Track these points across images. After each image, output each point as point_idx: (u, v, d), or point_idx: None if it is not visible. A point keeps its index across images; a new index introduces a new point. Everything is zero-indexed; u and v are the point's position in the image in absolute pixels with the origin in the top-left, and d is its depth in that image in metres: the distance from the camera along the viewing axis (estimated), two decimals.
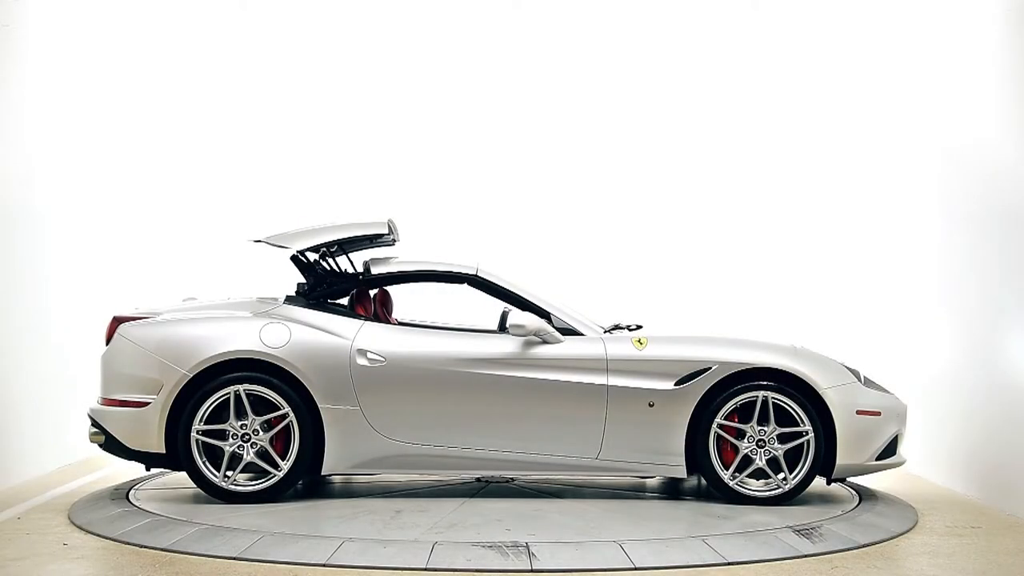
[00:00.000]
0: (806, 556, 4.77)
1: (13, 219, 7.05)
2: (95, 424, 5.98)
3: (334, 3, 9.82)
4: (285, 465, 5.81)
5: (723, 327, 7.91)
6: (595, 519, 5.41)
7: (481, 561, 4.57)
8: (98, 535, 5.23)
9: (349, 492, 6.28)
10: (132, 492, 6.22)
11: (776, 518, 5.41)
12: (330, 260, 6.49)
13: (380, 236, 6.47)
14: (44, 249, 7.59)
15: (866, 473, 5.87)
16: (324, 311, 6.11)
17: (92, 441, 6.03)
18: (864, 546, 5.00)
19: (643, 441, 5.78)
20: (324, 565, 4.57)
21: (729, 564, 4.61)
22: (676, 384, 5.76)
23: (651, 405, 5.76)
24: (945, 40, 6.98)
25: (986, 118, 6.39)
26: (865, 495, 6.13)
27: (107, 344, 6.09)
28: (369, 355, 5.88)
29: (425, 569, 4.51)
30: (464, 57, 9.85)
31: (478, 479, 6.48)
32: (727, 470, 5.76)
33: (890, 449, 5.85)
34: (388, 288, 6.74)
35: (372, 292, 6.71)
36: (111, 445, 5.95)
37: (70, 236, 8.03)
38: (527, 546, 4.76)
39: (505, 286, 6.14)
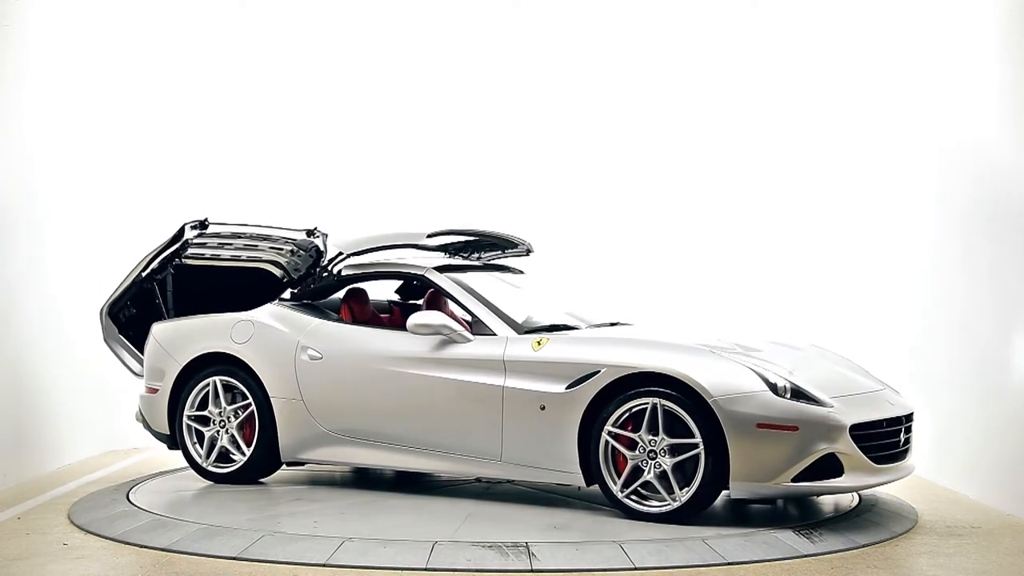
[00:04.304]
0: (806, 556, 4.77)
1: (14, 218, 7.05)
2: (140, 408, 6.89)
3: (334, 1, 9.82)
4: (248, 451, 6.39)
5: (721, 328, 7.90)
6: (464, 521, 5.34)
7: (481, 561, 4.57)
8: (98, 535, 5.24)
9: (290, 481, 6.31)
10: (132, 492, 6.23)
11: (640, 531, 5.02)
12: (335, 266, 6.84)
13: (513, 246, 6.93)
14: (45, 248, 7.59)
15: (786, 496, 5.24)
16: (296, 310, 6.52)
17: (137, 420, 6.97)
18: (864, 546, 5.00)
19: (538, 445, 5.52)
20: (324, 565, 4.58)
21: (729, 564, 4.61)
22: (568, 387, 5.43)
23: (542, 408, 5.49)
24: (943, 40, 6.98)
25: (984, 118, 6.39)
26: (865, 495, 6.11)
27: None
28: (309, 351, 6.25)
29: (425, 569, 4.51)
30: (462, 56, 9.84)
31: (477, 479, 6.48)
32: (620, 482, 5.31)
33: (826, 470, 5.07)
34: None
35: (418, 298, 7.17)
36: (145, 425, 6.86)
37: (70, 233, 8.03)
38: (527, 546, 4.76)
39: (444, 286, 6.19)
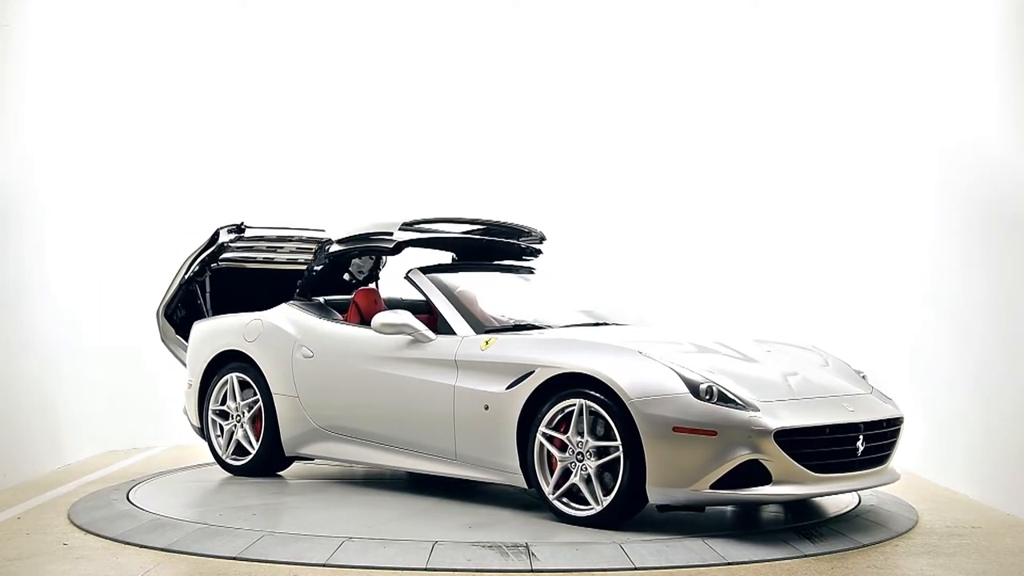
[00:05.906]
0: (806, 556, 4.77)
1: (15, 218, 7.06)
2: (185, 402, 7.15)
3: (334, 1, 9.82)
4: (256, 445, 6.63)
5: (721, 328, 7.90)
6: (395, 519, 5.35)
7: (481, 561, 4.57)
8: (98, 535, 5.24)
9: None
10: (132, 492, 6.23)
11: (565, 532, 4.97)
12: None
13: (527, 234, 7.02)
14: (45, 249, 7.60)
15: (708, 503, 4.94)
16: (303, 310, 6.64)
17: (184, 414, 7.20)
18: (864, 546, 5.00)
19: (485, 445, 5.51)
20: (324, 565, 4.58)
21: (729, 564, 4.61)
22: (507, 388, 5.40)
23: (486, 408, 5.48)
24: (943, 40, 6.98)
25: (984, 118, 6.39)
26: (865, 495, 6.10)
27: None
28: (303, 350, 6.43)
29: (425, 569, 4.51)
30: (462, 56, 9.85)
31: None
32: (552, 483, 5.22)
33: (751, 477, 4.80)
34: None
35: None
36: (188, 418, 7.12)
37: (70, 234, 8.04)
38: (527, 546, 4.76)
39: (419, 283, 6.21)
